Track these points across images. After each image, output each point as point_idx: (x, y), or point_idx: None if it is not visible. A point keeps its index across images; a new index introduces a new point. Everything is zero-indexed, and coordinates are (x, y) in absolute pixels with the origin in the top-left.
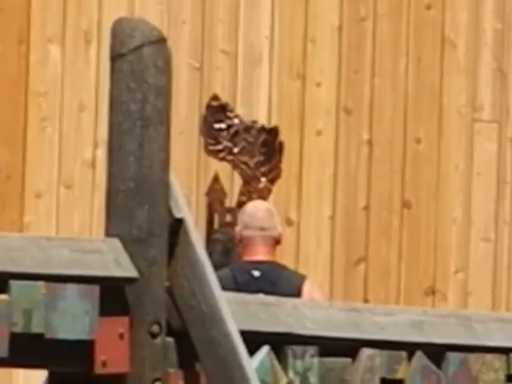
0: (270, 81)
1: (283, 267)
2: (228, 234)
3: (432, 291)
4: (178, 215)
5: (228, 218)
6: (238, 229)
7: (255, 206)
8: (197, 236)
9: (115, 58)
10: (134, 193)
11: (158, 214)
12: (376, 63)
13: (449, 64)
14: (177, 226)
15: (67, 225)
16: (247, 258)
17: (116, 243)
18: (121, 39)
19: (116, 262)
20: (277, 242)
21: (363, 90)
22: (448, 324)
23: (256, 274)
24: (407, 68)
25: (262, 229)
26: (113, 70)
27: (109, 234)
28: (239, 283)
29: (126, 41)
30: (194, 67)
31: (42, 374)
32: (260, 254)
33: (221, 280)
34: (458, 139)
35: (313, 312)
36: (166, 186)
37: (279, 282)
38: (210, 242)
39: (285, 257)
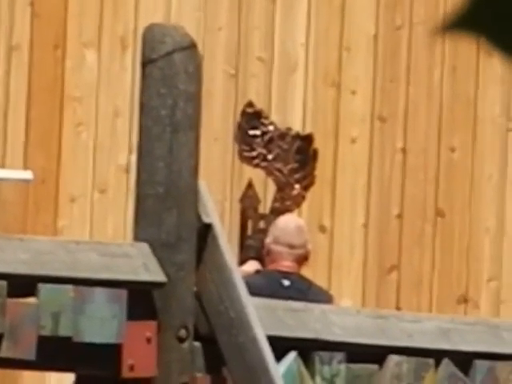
0: (305, 88)
1: (310, 281)
2: (261, 240)
3: (464, 300)
4: (206, 220)
5: (262, 224)
6: (267, 241)
7: (286, 222)
8: (225, 241)
9: (146, 63)
10: (163, 198)
11: (186, 219)
12: (411, 72)
13: (484, 73)
14: (205, 231)
15: (101, 229)
16: (275, 268)
17: (144, 247)
18: (151, 45)
19: (144, 267)
20: (304, 259)
21: (398, 98)
22: (476, 332)
23: (286, 283)
24: (442, 77)
25: (291, 246)
26: (143, 76)
27: (137, 238)
28: (269, 291)
29: (156, 47)
30: (229, 74)
31: (73, 377)
32: (287, 267)
33: (251, 286)
34: (492, 149)
35: (340, 318)
36: (194, 192)
37: (308, 292)
38: (243, 248)
39: (318, 264)
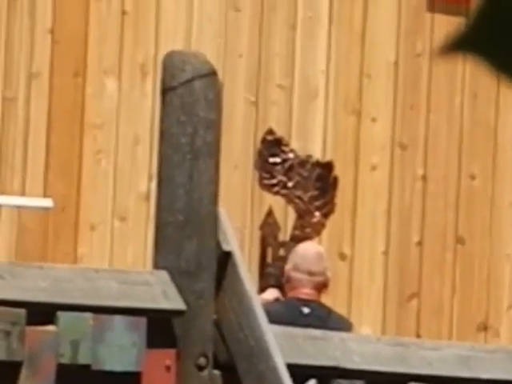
0: (325, 115)
1: (330, 308)
2: (281, 268)
3: (485, 327)
4: (226, 248)
5: (281, 252)
6: (287, 268)
7: (306, 249)
8: (245, 269)
9: (166, 91)
10: (183, 225)
11: (206, 247)
12: (431, 99)
13: (504, 100)
14: (225, 259)
15: (121, 257)
16: (295, 295)
17: (164, 275)
18: (172, 72)
19: (164, 295)
20: (324, 286)
21: (418, 125)
22: (496, 360)
23: (305, 310)
24: (462, 104)
25: (311, 273)
26: (163, 103)
27: (157, 266)
28: (289, 319)
29: (176, 74)
30: (249, 101)
31: None
32: (307, 294)
33: (271, 314)
34: None
35: (360, 346)
36: (214, 219)
37: (328, 320)
38: (263, 275)
39: (337, 291)
